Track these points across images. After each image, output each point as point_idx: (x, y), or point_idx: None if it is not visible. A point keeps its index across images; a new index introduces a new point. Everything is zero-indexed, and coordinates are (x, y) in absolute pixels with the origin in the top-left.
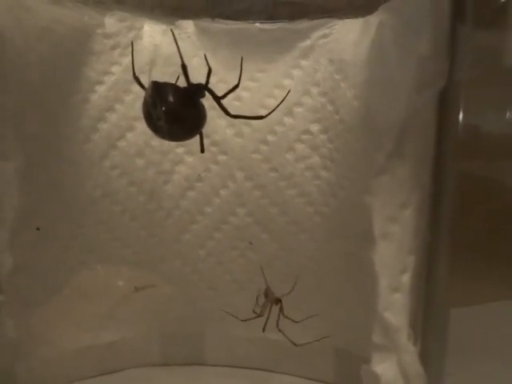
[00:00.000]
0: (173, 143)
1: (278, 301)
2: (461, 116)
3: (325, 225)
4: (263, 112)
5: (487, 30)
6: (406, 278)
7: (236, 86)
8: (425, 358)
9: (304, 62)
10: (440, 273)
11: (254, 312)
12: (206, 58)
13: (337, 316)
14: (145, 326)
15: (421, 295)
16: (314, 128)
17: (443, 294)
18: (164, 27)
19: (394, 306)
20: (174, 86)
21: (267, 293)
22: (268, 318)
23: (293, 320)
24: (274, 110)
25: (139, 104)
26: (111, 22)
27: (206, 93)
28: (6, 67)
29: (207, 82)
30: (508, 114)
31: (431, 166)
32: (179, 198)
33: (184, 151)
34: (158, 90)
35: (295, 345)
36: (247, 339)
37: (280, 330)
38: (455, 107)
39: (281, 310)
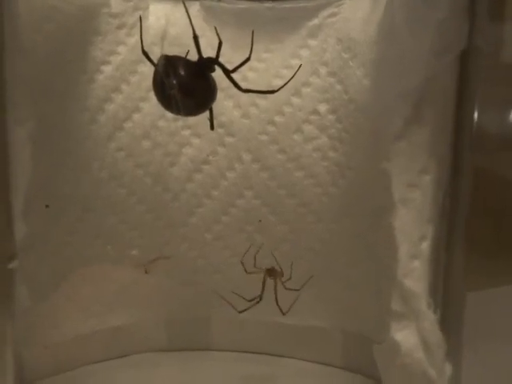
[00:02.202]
0: (179, 124)
1: (271, 271)
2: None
3: (333, 206)
4: None
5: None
6: (425, 246)
7: (247, 59)
8: (444, 327)
9: (312, 42)
10: (458, 248)
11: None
12: (216, 31)
13: (346, 298)
14: (151, 310)
15: (440, 265)
16: (322, 108)
17: (461, 269)
18: (170, 7)
19: (414, 273)
20: (185, 60)
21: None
22: (263, 289)
23: (294, 289)
24: (286, 84)
25: (145, 85)
26: (117, 1)
27: (217, 68)
28: (18, 30)
29: (217, 55)
30: None
31: (450, 134)
32: (186, 180)
33: (190, 133)
34: (169, 63)
35: (283, 313)
36: (254, 323)
37: (276, 299)
38: (475, 76)
39: (275, 281)
